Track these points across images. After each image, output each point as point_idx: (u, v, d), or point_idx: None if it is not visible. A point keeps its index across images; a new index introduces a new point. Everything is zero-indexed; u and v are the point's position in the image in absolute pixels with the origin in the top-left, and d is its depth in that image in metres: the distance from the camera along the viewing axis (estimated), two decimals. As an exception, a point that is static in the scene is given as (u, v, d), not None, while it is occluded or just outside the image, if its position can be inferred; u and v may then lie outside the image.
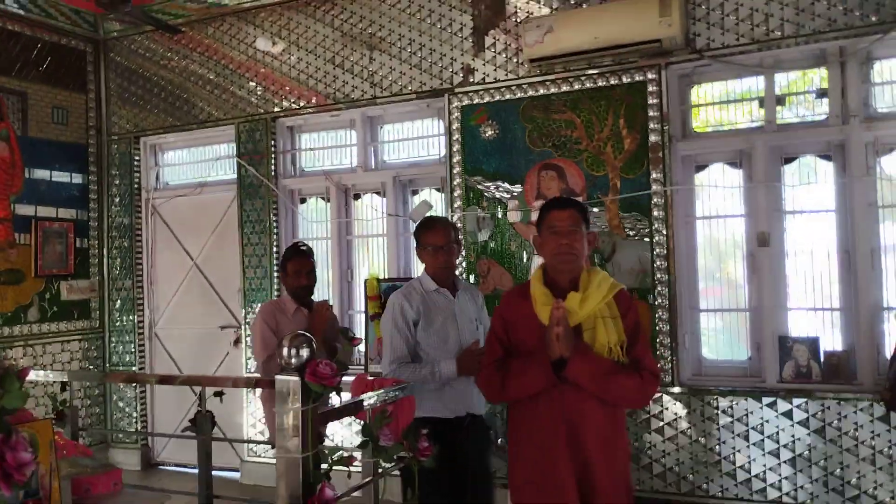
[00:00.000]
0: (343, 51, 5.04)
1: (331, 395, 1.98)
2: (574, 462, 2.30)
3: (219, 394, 2.74)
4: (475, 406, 3.04)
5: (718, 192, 4.23)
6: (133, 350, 5.78)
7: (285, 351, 1.94)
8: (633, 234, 4.22)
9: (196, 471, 2.82)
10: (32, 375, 3.47)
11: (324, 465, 1.97)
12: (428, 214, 4.34)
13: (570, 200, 2.54)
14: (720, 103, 4.28)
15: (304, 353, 1.94)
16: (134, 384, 5.68)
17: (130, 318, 5.81)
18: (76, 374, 3.44)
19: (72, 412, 3.19)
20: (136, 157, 5.88)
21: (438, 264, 3.02)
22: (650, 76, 4.15)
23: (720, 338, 4.28)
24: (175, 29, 4.96)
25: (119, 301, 5.86)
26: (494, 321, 2.51)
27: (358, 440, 2.28)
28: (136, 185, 5.87)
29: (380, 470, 2.28)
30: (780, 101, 4.08)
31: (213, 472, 2.78)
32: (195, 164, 5.87)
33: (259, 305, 4.77)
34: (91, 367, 5.69)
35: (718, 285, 4.30)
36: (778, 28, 3.92)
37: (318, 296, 3.92)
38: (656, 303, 4.12)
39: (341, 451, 2.01)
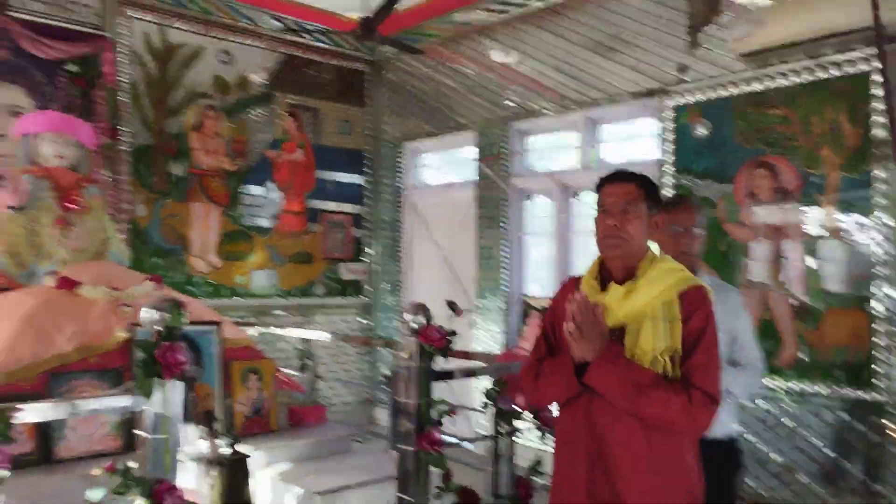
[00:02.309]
0: (568, 57, 5.37)
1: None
2: (595, 492, 1.86)
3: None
4: None
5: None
6: (394, 324, 6.81)
7: (407, 316, 2.43)
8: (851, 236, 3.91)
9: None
10: (294, 332, 4.45)
11: (434, 414, 2.41)
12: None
13: (626, 173, 2.00)
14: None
15: (421, 319, 2.41)
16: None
17: (393, 297, 6.85)
18: (313, 333, 4.34)
19: (313, 363, 4.09)
20: (400, 160, 6.89)
21: (680, 248, 2.49)
22: (874, 65, 3.80)
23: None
24: (418, 51, 5.75)
25: (384, 283, 6.93)
26: (545, 316, 2.14)
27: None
28: (399, 185, 6.88)
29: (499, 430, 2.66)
30: None
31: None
32: (445, 165, 6.68)
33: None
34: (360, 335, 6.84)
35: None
36: None
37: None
38: (875, 312, 3.78)
39: (444, 404, 2.43)
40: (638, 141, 5.16)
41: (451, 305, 3.96)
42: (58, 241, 3.51)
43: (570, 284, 2.07)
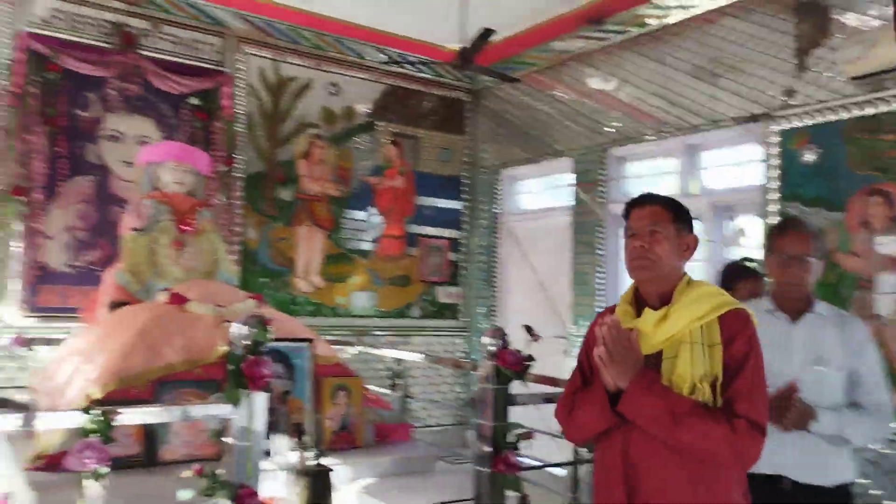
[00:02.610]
0: (668, 82, 5.29)
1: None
2: None
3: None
4: (798, 470, 2.27)
5: None
6: (487, 349, 6.83)
7: (485, 340, 2.47)
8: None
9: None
10: (387, 352, 4.57)
11: (510, 437, 2.44)
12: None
13: (652, 196, 1.93)
14: None
15: (498, 343, 2.45)
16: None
17: (488, 321, 6.89)
18: (405, 354, 4.45)
19: (403, 382, 4.20)
20: (497, 187, 6.97)
21: (786, 278, 2.35)
22: None
23: None
24: (514, 79, 5.82)
25: (480, 306, 7.00)
26: (581, 347, 2.03)
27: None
28: (496, 210, 6.95)
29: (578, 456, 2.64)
30: None
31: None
32: (541, 191, 6.70)
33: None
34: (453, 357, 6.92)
35: None
36: None
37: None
38: None
39: (521, 428, 2.44)
40: (741, 167, 4.99)
41: (528, 330, 3.94)
42: (174, 260, 3.81)
43: (606, 313, 1.96)
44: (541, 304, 6.39)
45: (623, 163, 5.84)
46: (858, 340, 2.31)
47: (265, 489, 2.82)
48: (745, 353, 1.76)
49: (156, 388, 2.80)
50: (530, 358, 2.50)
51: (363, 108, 6.52)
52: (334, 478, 2.71)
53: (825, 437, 2.24)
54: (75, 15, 5.22)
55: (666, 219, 1.86)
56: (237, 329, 2.02)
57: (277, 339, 3.14)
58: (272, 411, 3.02)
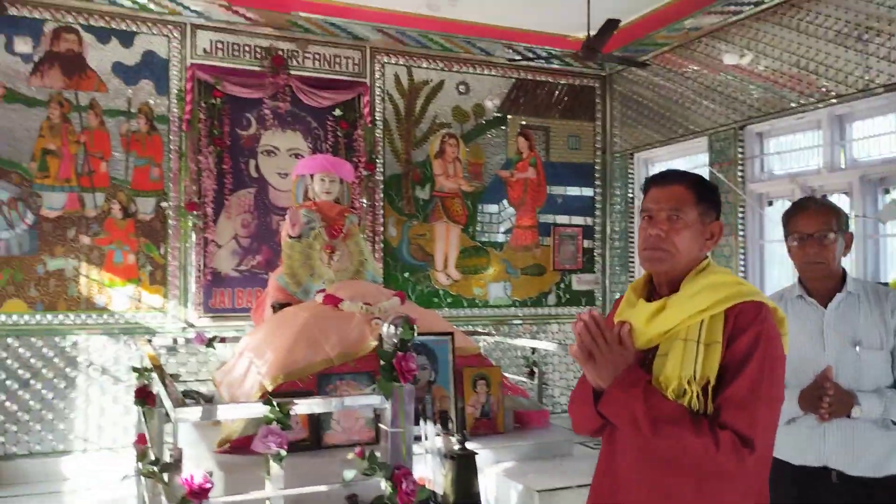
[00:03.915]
0: (809, 52, 5.03)
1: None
2: None
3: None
4: (844, 460, 2.14)
5: None
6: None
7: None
8: None
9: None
10: (522, 342, 4.76)
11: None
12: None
13: (677, 173, 1.70)
14: None
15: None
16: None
17: (626, 307, 6.87)
18: (541, 343, 4.59)
19: (538, 372, 4.35)
20: (631, 171, 6.91)
21: (805, 258, 2.24)
22: None
23: None
24: (641, 64, 5.75)
25: (616, 293, 7.00)
26: None
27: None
28: (629, 195, 6.91)
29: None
30: None
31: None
32: (676, 173, 6.57)
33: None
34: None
35: None
36: None
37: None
38: None
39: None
40: (894, 136, 4.67)
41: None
42: (326, 263, 4.20)
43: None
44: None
45: (762, 139, 5.63)
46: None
47: (416, 471, 3.11)
48: (746, 353, 1.50)
49: (318, 381, 3.15)
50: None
51: (492, 103, 6.70)
52: (478, 460, 2.93)
53: (871, 423, 2.10)
54: (234, 44, 5.80)
55: (689, 202, 1.62)
56: (387, 329, 2.28)
57: (421, 334, 3.42)
58: (419, 400, 3.31)
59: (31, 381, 5.17)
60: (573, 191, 7.03)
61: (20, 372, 5.14)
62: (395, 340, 2.25)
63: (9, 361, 5.11)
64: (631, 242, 6.89)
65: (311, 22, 5.96)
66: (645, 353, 1.59)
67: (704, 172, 6.00)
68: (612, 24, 4.68)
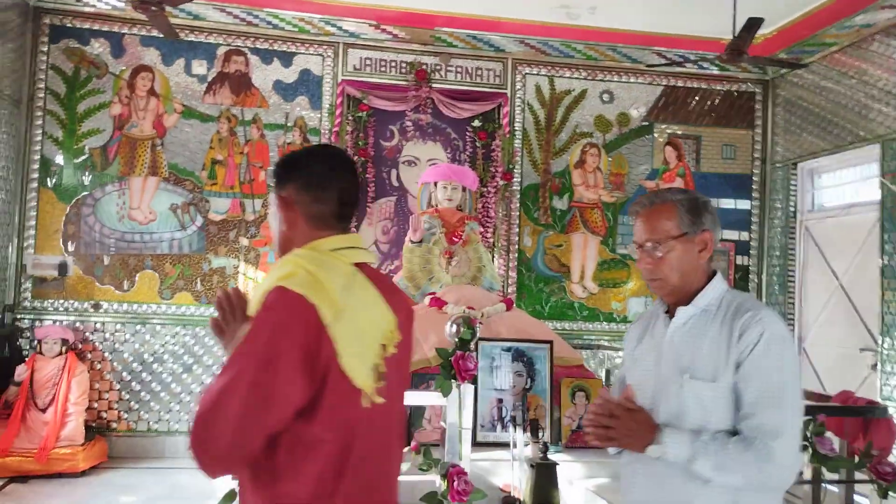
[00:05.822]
0: None
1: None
2: None
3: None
4: None
5: None
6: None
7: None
8: None
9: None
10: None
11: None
12: None
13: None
14: None
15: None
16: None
17: (785, 330, 6.31)
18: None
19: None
20: (794, 182, 6.35)
21: (643, 275, 1.85)
22: None
23: None
24: (796, 65, 5.27)
25: (775, 314, 6.43)
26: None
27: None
28: (791, 209, 6.34)
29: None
30: None
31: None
32: (843, 185, 5.94)
33: None
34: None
35: None
36: None
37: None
38: None
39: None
40: None
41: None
42: (444, 268, 4.31)
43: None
44: (842, 312, 5.67)
45: (946, 146, 4.94)
46: (749, 342, 1.64)
47: (502, 476, 3.11)
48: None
49: (413, 380, 3.25)
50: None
51: (638, 111, 6.49)
52: (564, 473, 2.86)
53: (679, 468, 1.65)
54: (380, 60, 6.15)
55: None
56: (447, 328, 2.32)
57: (518, 340, 3.42)
58: (513, 406, 3.30)
59: (194, 367, 5.79)
60: (727, 203, 6.59)
61: (185, 358, 5.78)
62: (455, 340, 2.29)
63: (175, 347, 5.77)
64: (791, 260, 6.32)
65: (453, 36, 6.15)
66: None
67: (874, 183, 5.38)
68: (754, 23, 4.37)
